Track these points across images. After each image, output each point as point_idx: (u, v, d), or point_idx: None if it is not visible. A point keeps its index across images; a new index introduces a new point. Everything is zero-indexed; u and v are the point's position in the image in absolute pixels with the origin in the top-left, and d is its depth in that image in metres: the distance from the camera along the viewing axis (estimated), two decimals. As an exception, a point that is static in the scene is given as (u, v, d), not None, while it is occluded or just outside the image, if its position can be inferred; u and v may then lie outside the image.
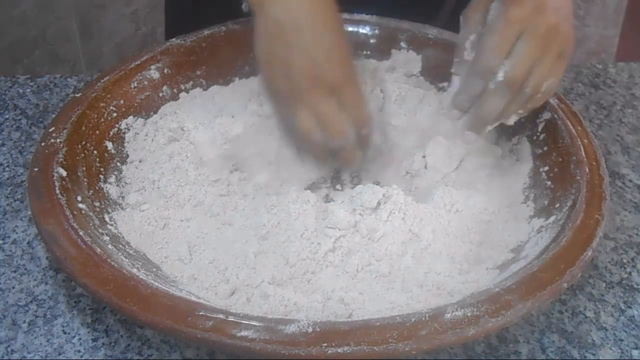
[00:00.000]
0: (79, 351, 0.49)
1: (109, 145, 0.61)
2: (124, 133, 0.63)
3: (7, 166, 0.65)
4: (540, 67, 0.56)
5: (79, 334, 0.50)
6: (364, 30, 0.71)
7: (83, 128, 0.59)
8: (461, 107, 0.60)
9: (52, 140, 0.57)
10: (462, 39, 0.61)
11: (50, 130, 0.58)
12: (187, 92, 0.68)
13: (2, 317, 0.52)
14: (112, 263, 0.48)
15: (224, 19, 0.71)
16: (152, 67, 0.66)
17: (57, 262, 0.52)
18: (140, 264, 0.51)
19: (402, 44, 0.70)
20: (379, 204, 0.55)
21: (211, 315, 0.44)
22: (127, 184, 0.60)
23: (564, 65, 0.58)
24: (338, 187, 0.62)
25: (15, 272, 0.55)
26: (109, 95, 0.62)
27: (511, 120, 0.60)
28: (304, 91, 0.55)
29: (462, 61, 0.61)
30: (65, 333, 0.51)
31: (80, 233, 0.49)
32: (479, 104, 0.58)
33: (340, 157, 0.59)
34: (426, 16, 0.73)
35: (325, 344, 0.42)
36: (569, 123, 0.60)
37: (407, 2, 0.73)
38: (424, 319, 0.43)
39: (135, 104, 0.64)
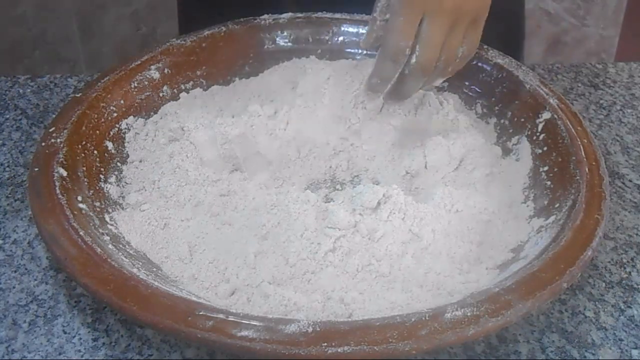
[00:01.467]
0: (79, 351, 0.49)
1: (109, 145, 0.61)
2: (124, 133, 0.63)
3: (8, 166, 0.65)
4: (452, 41, 0.56)
5: (79, 334, 0.50)
6: (364, 30, 0.71)
7: (83, 128, 0.59)
8: (376, 90, 0.60)
9: (53, 140, 0.57)
10: (375, 7, 0.58)
11: (50, 130, 0.58)
12: (188, 92, 0.68)
13: (3, 317, 0.52)
14: (113, 263, 0.48)
15: (234, 17, 0.71)
16: (152, 67, 0.66)
17: (57, 262, 0.52)
18: (141, 263, 0.51)
19: None
20: (379, 204, 0.55)
21: (211, 315, 0.44)
22: (127, 184, 0.60)
23: (479, 30, 0.58)
24: (338, 187, 0.62)
25: (15, 272, 0.55)
26: (109, 95, 0.63)
27: (437, 83, 0.61)
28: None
29: (373, 31, 0.59)
30: (65, 333, 0.51)
31: (81, 233, 0.49)
32: (396, 85, 0.59)
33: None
34: None
35: (325, 344, 0.42)
36: (568, 123, 0.60)
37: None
38: (424, 318, 0.44)
39: (136, 104, 0.65)
